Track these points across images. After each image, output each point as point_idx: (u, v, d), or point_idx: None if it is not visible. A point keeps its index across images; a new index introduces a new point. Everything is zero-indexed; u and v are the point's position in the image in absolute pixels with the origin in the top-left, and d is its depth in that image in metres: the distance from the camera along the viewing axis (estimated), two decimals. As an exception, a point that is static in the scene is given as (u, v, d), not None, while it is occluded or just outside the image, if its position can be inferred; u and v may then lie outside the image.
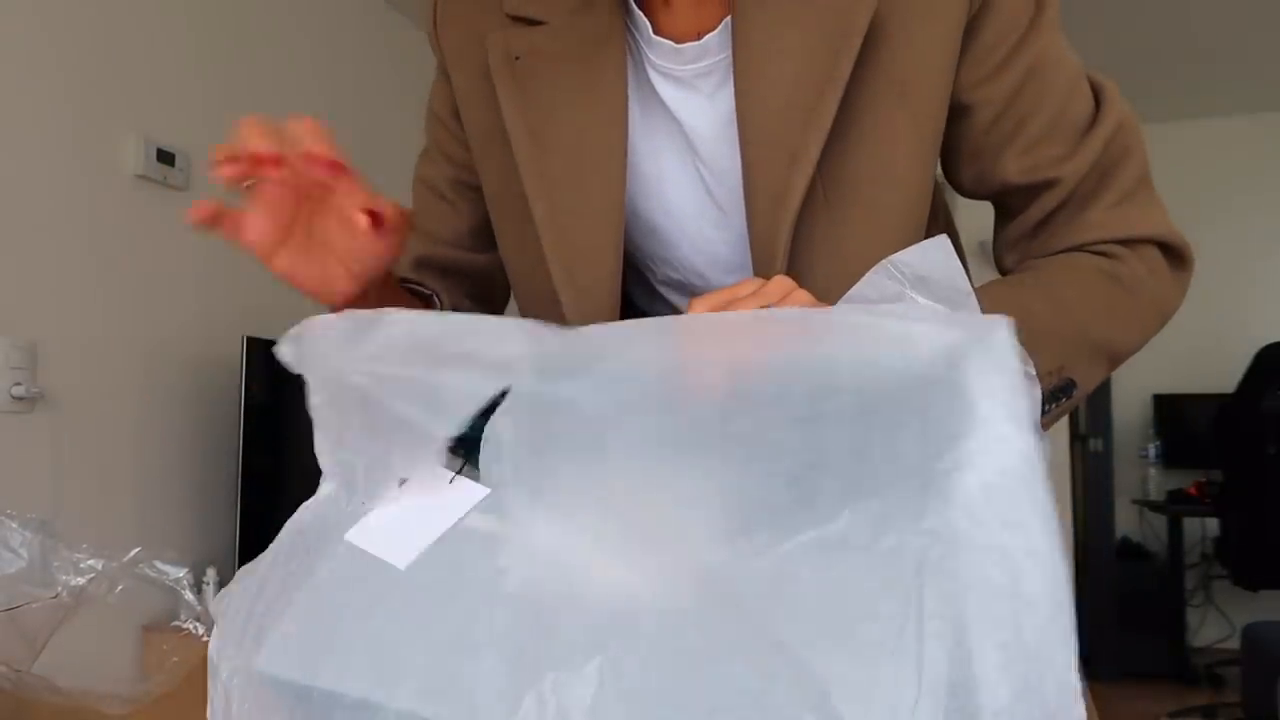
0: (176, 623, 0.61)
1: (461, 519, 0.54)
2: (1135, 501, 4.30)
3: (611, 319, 0.77)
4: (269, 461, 2.31)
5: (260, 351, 2.23)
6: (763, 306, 0.60)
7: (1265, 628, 3.07)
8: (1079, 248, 0.74)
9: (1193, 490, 3.97)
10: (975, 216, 0.85)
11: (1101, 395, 4.00)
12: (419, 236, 0.86)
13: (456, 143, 0.86)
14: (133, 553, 0.62)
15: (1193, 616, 4.19)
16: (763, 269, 0.73)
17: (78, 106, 2.06)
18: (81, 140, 2.07)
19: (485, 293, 0.91)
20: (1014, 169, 0.74)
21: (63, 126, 2.03)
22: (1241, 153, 4.39)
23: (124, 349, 2.15)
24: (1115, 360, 0.74)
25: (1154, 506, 4.06)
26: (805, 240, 0.72)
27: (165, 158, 2.23)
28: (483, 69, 0.79)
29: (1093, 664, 3.63)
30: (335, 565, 0.54)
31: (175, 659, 0.60)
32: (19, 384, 1.89)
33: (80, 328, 2.05)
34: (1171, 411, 4.28)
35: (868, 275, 0.56)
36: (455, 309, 0.87)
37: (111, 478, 2.11)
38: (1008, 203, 0.79)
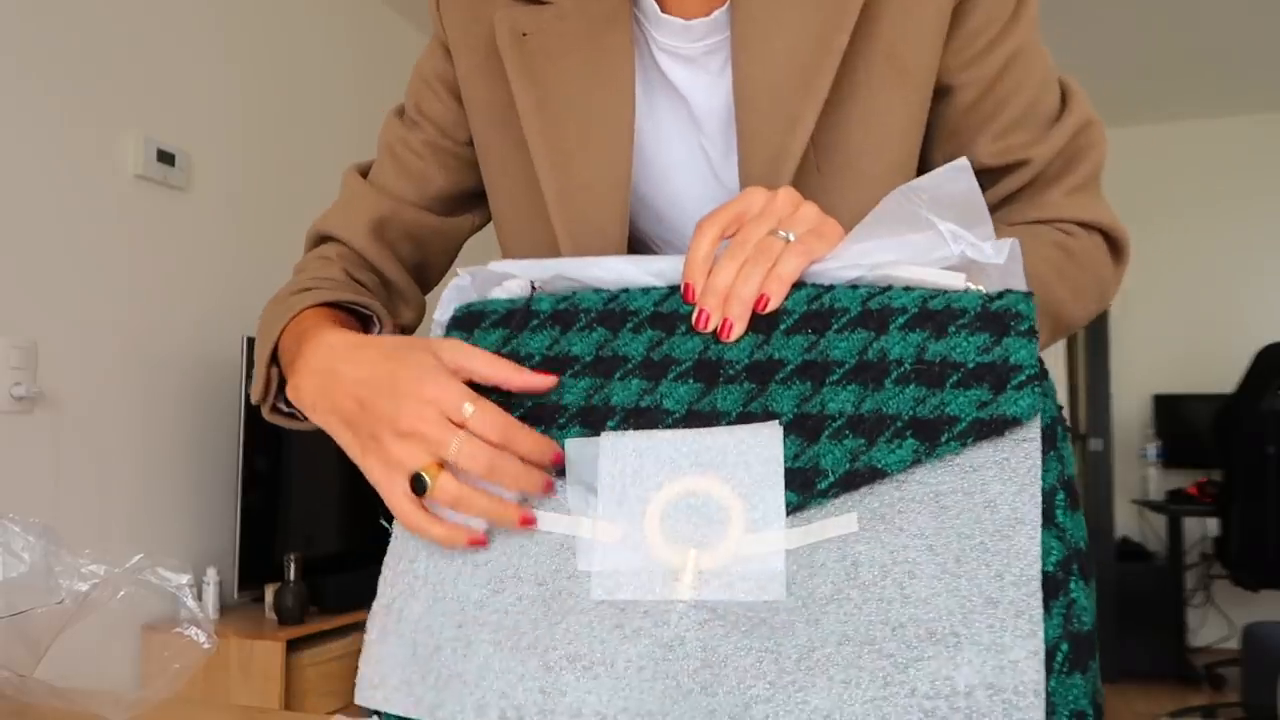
0: (178, 629, 0.61)
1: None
2: (1135, 501, 4.30)
3: None
4: (269, 461, 2.31)
5: (260, 352, 2.22)
6: (772, 229, 0.60)
7: (1265, 628, 3.07)
8: (1037, 223, 0.78)
9: (1193, 490, 3.97)
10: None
11: (1101, 395, 4.00)
12: (380, 196, 0.87)
13: (445, 110, 0.87)
14: (135, 559, 0.62)
15: (1193, 616, 4.19)
16: None
17: (78, 106, 2.06)
18: (81, 140, 2.07)
19: (432, 259, 0.91)
20: (988, 151, 0.76)
21: (62, 126, 2.02)
22: (1241, 153, 4.39)
23: (124, 349, 2.15)
24: (1059, 326, 0.76)
25: (1154, 506, 4.06)
26: None
27: (165, 158, 2.23)
28: (487, 47, 0.81)
29: (1092, 664, 3.61)
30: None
31: (176, 665, 0.61)
32: (19, 384, 1.89)
33: (80, 328, 2.05)
34: (1171, 411, 4.28)
35: (885, 201, 0.57)
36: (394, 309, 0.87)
37: (112, 478, 2.11)
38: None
